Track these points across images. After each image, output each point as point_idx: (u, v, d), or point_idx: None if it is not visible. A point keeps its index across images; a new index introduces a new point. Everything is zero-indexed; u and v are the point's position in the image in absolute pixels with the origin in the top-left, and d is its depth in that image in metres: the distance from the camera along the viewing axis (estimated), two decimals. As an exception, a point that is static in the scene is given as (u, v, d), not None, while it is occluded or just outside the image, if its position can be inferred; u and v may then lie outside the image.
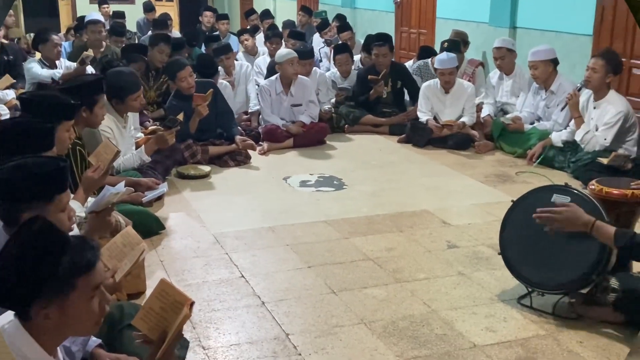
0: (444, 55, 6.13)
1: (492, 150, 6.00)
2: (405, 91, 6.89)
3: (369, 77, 6.62)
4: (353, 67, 7.29)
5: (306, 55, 6.64)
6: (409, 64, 7.62)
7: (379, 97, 6.74)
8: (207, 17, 10.65)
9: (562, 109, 5.43)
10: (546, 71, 5.66)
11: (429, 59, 7.08)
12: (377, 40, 6.83)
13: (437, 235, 4.04)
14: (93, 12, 8.19)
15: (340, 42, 8.03)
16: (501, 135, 5.95)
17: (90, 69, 6.02)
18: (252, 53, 8.13)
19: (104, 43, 7.15)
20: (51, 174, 2.10)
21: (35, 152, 2.30)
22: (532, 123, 5.88)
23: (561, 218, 2.81)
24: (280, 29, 9.04)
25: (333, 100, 7.02)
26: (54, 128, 2.66)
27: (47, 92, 3.21)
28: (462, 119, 6.13)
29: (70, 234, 2.40)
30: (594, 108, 5.18)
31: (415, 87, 6.82)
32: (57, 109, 2.96)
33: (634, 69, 5.84)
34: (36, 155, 2.20)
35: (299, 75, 6.28)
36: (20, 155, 2.16)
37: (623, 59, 5.27)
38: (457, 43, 6.79)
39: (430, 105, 6.27)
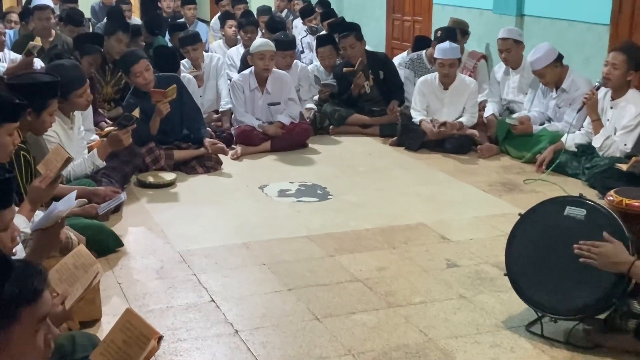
0: (446, 44, 6.17)
1: (496, 154, 6.03)
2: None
3: (344, 69, 6.65)
4: (338, 60, 7.32)
5: (286, 46, 6.64)
6: (402, 56, 7.66)
7: (362, 94, 6.76)
8: (166, 1, 10.53)
9: (579, 110, 5.47)
10: (555, 73, 5.72)
11: (424, 51, 7.11)
12: (341, 31, 6.88)
13: (434, 252, 4.05)
14: (41, -4, 8.11)
15: (324, 31, 8.06)
16: (507, 137, 5.98)
17: (39, 63, 5.96)
18: (232, 43, 8.11)
19: (53, 31, 7.09)
20: None
21: None
22: (542, 124, 5.93)
23: (598, 252, 2.82)
24: (255, 16, 9.05)
25: (316, 97, 7.03)
26: None
27: (-13, 90, 3.17)
28: (460, 119, 6.17)
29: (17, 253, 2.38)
30: (611, 108, 5.24)
31: (397, 79, 6.85)
32: (-3, 109, 2.93)
33: (656, 63, 5.90)
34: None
35: (275, 70, 6.27)
36: None
37: (644, 52, 5.33)
38: (453, 31, 6.83)
39: (427, 103, 6.30)
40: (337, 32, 7.57)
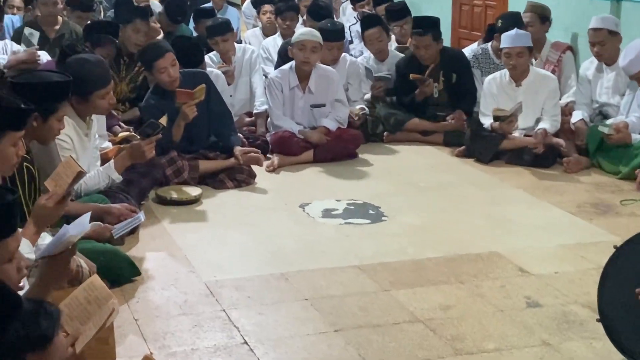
0: (512, 30, 6.18)
1: (586, 168, 6.00)
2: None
3: (411, 76, 6.62)
4: (391, 46, 7.32)
5: (333, 36, 6.66)
6: (472, 47, 7.64)
7: (428, 97, 6.75)
8: None
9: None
10: None
11: (489, 44, 7.11)
12: (416, 26, 6.83)
13: (511, 288, 4.03)
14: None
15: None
16: (599, 148, 5.95)
17: (45, 56, 6.09)
18: (269, 32, 8.17)
19: (59, 18, 7.24)
20: None
21: None
22: (642, 132, 5.87)
23: None
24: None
25: (368, 96, 7.04)
26: None
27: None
28: (541, 125, 6.11)
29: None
30: None
31: (470, 83, 6.82)
32: (0, 116, 3.00)
33: None
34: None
35: (320, 65, 6.30)
36: None
37: None
38: (518, 17, 6.81)
39: (497, 104, 6.27)
40: (395, 20, 7.62)
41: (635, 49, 5.67)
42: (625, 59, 5.70)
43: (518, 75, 6.21)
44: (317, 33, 6.30)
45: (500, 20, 6.84)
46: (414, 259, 4.40)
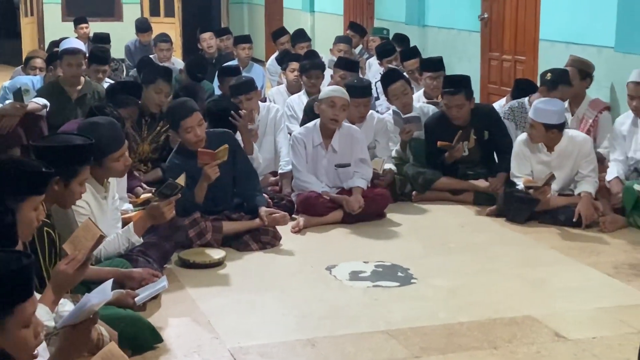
0: (541, 100, 6.19)
1: (623, 228, 5.94)
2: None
3: (439, 144, 6.59)
4: (417, 101, 7.36)
5: (361, 93, 6.68)
6: (500, 103, 7.67)
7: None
8: (205, 41, 10.90)
9: None
10: None
11: (526, 98, 7.11)
12: (448, 85, 6.81)
13: (547, 353, 3.98)
14: (71, 38, 8.44)
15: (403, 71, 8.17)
16: (636, 207, 5.89)
17: (40, 100, 6.19)
18: (295, 89, 8.25)
19: (82, 79, 7.36)
20: (9, 276, 2.13)
21: None
22: (681, 190, 5.82)
23: None
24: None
25: (396, 148, 7.01)
26: (15, 222, 2.71)
27: (10, 157, 3.31)
28: (583, 189, 6.02)
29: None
30: None
31: (505, 140, 6.76)
32: (22, 181, 3.04)
33: None
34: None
35: (344, 124, 6.33)
36: None
37: None
38: (566, 75, 6.82)
39: (530, 168, 6.22)
40: (429, 70, 7.81)
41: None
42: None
43: (549, 142, 6.17)
44: (345, 92, 6.34)
45: (549, 74, 6.83)
46: (446, 323, 4.36)
